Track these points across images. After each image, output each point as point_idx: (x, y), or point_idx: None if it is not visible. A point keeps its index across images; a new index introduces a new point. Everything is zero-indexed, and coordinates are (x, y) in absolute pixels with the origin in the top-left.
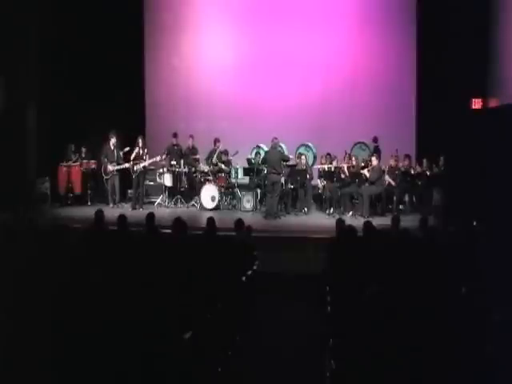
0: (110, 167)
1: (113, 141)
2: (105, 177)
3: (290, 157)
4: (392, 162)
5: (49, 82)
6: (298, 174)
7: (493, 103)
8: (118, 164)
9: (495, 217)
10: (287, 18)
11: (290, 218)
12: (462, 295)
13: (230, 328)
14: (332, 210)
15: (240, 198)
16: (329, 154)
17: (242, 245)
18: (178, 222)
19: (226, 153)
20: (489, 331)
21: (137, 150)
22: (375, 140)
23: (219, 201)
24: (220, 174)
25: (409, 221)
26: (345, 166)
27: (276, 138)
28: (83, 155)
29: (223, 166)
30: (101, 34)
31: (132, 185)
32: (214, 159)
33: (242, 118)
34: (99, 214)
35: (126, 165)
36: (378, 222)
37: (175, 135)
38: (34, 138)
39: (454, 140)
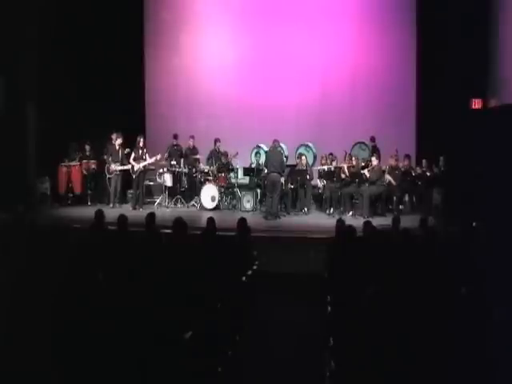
0: (114, 167)
1: (119, 141)
2: (108, 175)
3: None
4: (392, 162)
5: (49, 82)
6: (298, 174)
7: (493, 103)
8: (122, 164)
9: (495, 217)
10: (287, 17)
11: (290, 218)
12: (462, 295)
13: (230, 328)
14: (332, 209)
15: (240, 198)
16: (331, 154)
17: (242, 245)
18: (178, 223)
19: (225, 154)
20: (489, 331)
21: (137, 150)
22: (373, 139)
23: (219, 201)
24: (220, 174)
25: (409, 221)
26: (345, 166)
27: (277, 140)
28: (87, 153)
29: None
30: (101, 33)
31: (132, 185)
32: (214, 169)
33: (241, 117)
34: (99, 214)
35: (130, 166)
36: (378, 221)
37: (175, 136)
38: (34, 138)
39: (454, 140)
